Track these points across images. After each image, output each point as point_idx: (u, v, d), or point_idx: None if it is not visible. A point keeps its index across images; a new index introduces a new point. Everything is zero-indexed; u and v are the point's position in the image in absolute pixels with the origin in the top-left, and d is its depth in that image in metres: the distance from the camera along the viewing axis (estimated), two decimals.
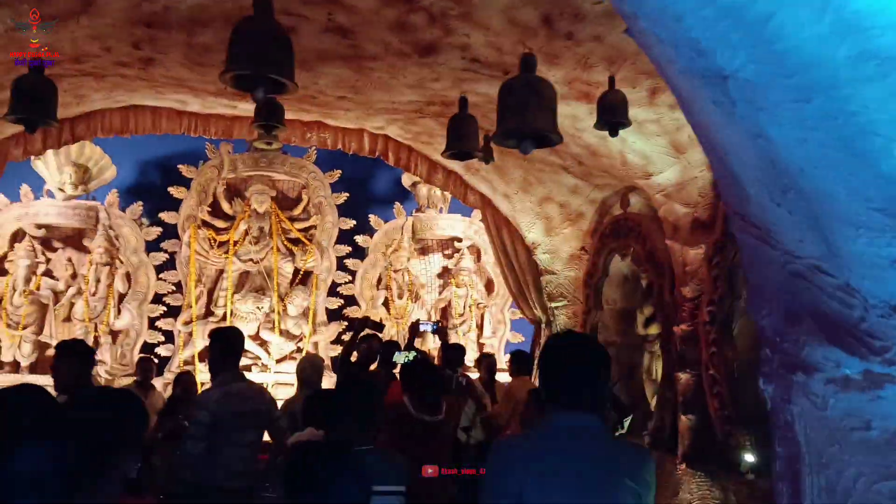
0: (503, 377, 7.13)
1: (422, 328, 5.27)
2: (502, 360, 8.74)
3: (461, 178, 7.84)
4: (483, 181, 7.68)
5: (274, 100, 5.40)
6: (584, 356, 1.87)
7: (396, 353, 4.87)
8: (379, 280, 9.04)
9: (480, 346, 9.00)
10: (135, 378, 6.12)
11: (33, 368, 8.03)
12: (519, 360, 6.49)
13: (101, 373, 8.00)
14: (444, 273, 9.32)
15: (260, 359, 8.45)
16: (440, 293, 9.19)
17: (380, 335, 5.82)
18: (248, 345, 8.32)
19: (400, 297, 8.94)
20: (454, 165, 7.67)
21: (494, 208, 7.86)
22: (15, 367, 7.91)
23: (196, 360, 8.19)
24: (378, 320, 6.22)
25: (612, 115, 4.01)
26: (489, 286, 9.28)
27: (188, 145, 8.75)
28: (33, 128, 4.09)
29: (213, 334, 3.98)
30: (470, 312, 9.02)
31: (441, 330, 5.36)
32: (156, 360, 8.00)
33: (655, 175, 5.75)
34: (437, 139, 7.14)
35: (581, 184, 6.99)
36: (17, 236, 8.19)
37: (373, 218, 9.08)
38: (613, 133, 4.09)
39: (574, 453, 1.78)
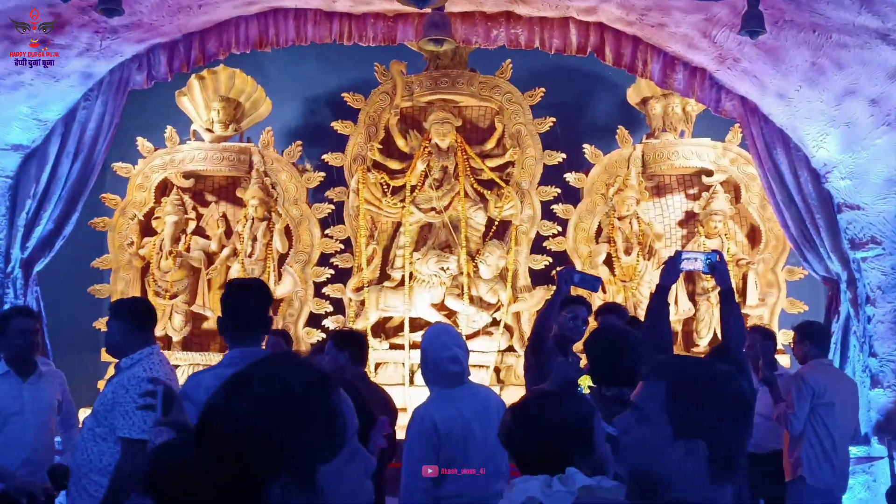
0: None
1: (684, 265, 3.72)
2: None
3: (710, 76, 6.55)
4: (744, 77, 6.30)
5: None
6: None
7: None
8: (599, 231, 7.84)
9: (744, 318, 7.17)
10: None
11: (187, 344, 7.64)
12: (812, 336, 5.22)
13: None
14: (689, 219, 7.96)
15: None
16: (683, 247, 7.79)
17: (588, 301, 4.84)
18: (432, 315, 7.49)
19: (627, 252, 7.63)
20: (701, 57, 6.38)
21: (762, 118, 6.58)
22: (166, 342, 7.55)
23: (369, 334, 7.33)
24: (594, 276, 5.05)
25: None
26: (754, 235, 7.81)
27: (356, 73, 8.13)
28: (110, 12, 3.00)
29: None
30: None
31: (718, 266, 3.70)
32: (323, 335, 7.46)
33: None
34: (675, 17, 5.85)
35: None
36: (165, 189, 7.84)
37: (588, 149, 7.81)
38: None
39: None
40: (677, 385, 1.53)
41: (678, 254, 3.84)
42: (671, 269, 3.79)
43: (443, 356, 3.48)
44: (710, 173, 7.70)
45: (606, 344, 3.16)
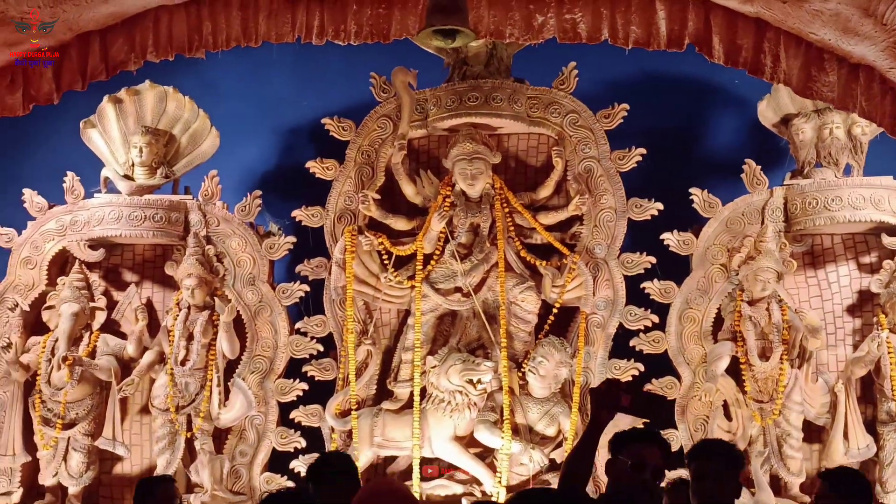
0: None
1: None
2: None
3: (881, 76, 6.47)
4: None
5: None
6: None
7: None
8: (718, 322, 7.86)
9: None
10: None
11: (90, 498, 7.48)
12: None
13: None
14: (863, 303, 8.00)
15: (478, 484, 7.45)
16: (854, 346, 7.85)
17: (661, 436, 4.50)
18: (453, 454, 7.42)
19: (764, 355, 7.52)
20: (864, 48, 6.36)
21: None
22: (59, 495, 7.43)
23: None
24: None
25: None
26: None
27: (342, 89, 8.47)
28: None
29: None
30: None
31: None
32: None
33: None
34: None
35: None
36: (64, 264, 7.87)
37: (699, 195, 7.88)
38: None
39: None
40: None
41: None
42: None
43: None
44: (894, 231, 7.72)
45: None
